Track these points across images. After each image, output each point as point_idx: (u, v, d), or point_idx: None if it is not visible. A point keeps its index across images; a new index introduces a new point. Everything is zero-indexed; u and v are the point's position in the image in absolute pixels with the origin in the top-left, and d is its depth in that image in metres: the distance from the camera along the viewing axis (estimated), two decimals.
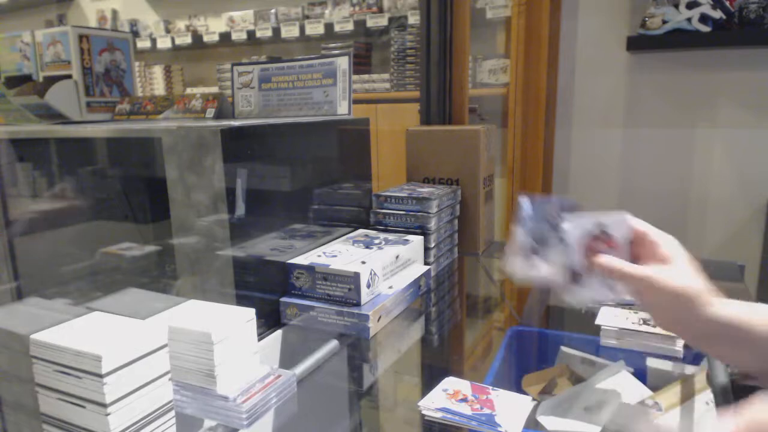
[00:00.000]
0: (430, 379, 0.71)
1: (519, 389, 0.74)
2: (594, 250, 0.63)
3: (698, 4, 1.96)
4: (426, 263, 1.11)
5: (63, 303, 0.61)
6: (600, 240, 0.63)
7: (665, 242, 0.60)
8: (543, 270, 0.65)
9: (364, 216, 1.17)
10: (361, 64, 3.22)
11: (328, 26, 3.26)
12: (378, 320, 0.87)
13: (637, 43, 2.10)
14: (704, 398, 0.65)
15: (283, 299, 0.90)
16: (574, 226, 0.63)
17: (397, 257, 0.98)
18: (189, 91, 4.05)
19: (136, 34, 4.03)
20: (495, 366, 0.74)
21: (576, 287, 0.64)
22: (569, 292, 0.64)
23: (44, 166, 1.10)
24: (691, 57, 2.11)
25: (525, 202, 0.66)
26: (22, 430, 0.57)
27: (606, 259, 0.61)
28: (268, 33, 3.42)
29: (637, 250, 0.62)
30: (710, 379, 0.64)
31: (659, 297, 0.58)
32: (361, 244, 1.01)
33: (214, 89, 3.80)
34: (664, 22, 2.01)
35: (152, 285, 0.98)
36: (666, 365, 0.75)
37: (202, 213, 0.78)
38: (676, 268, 0.58)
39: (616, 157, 2.28)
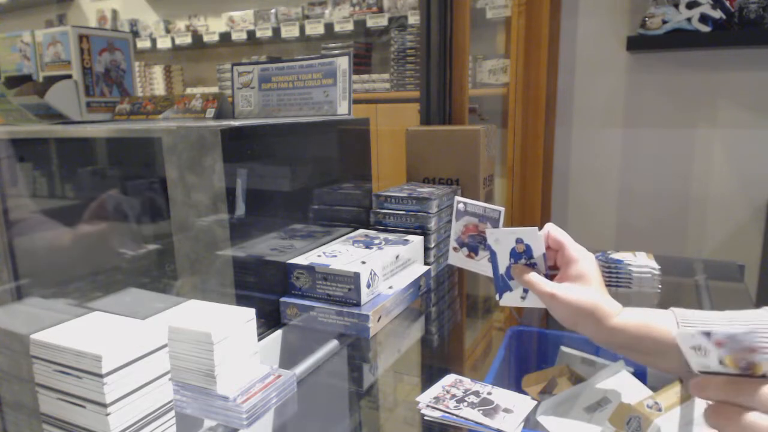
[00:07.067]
0: (430, 380, 0.71)
1: (519, 389, 0.74)
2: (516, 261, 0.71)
3: (698, 4, 1.96)
4: (426, 263, 1.11)
5: (63, 303, 0.61)
6: (519, 251, 0.71)
7: (581, 258, 0.67)
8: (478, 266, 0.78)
9: (364, 216, 1.17)
10: (361, 64, 3.22)
11: (328, 26, 3.26)
12: (378, 320, 0.87)
13: (637, 43, 2.09)
14: None
15: (283, 299, 0.90)
16: (496, 240, 0.71)
17: (397, 257, 0.98)
18: (189, 91, 4.05)
19: (136, 34, 4.03)
20: (495, 366, 0.74)
21: (507, 291, 0.73)
22: (501, 296, 0.73)
23: (44, 166, 1.10)
24: (691, 57, 2.11)
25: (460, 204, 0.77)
26: (22, 430, 0.57)
27: (519, 271, 0.69)
28: (268, 33, 3.42)
29: (559, 259, 0.69)
30: None
31: (563, 311, 0.65)
32: (361, 244, 1.01)
33: (214, 89, 3.80)
34: (664, 22, 2.01)
35: (152, 285, 0.98)
36: None
37: (202, 213, 0.78)
38: (581, 284, 0.65)
39: (616, 157, 2.28)
